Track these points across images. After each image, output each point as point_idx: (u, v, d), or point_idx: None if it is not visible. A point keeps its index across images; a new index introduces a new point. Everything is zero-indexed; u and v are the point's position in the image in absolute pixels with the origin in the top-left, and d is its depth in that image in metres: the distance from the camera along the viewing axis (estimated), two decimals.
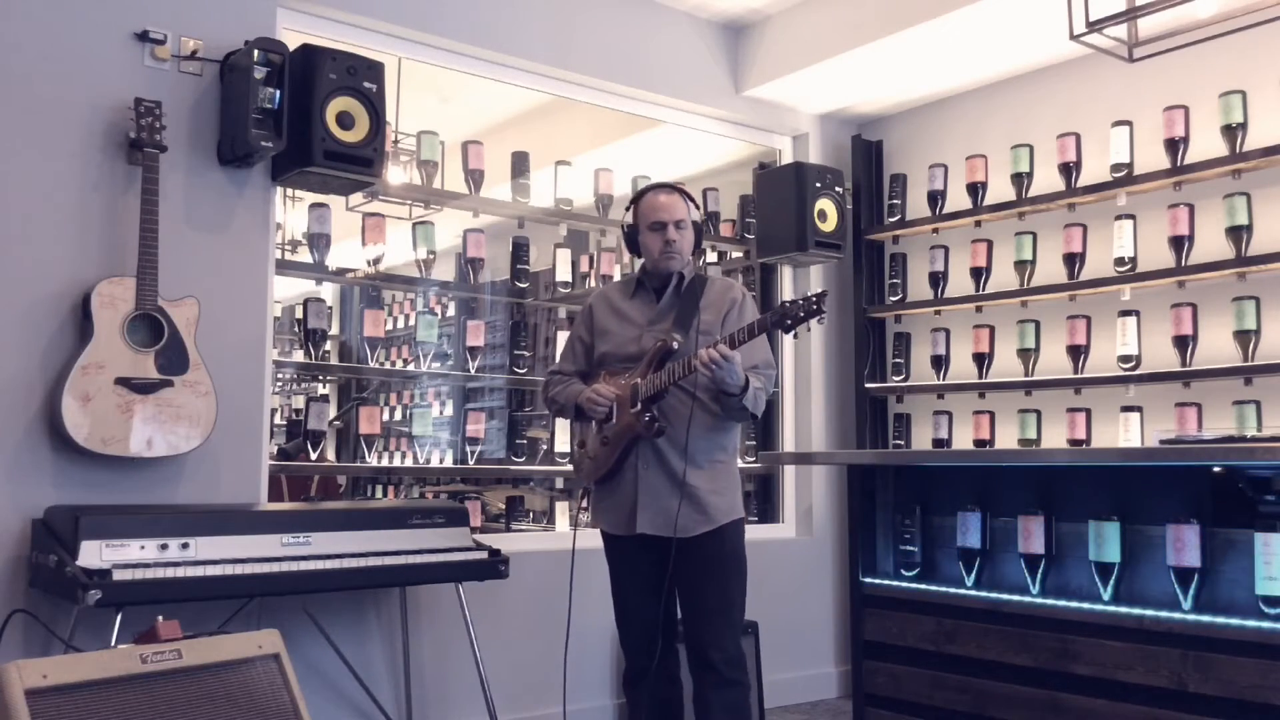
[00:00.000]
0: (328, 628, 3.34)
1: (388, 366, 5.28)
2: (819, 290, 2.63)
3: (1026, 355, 4.31)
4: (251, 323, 3.38)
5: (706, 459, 2.81)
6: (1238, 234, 3.73)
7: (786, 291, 4.93)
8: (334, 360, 6.06)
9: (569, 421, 3.12)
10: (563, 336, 4.39)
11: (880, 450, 4.73)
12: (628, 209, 2.97)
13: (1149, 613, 2.91)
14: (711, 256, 5.05)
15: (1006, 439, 4.38)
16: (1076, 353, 4.14)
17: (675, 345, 2.75)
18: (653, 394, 2.73)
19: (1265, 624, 2.68)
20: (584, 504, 3.01)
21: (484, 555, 3.25)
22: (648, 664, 2.84)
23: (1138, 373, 3.97)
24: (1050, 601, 3.15)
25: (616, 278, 4.64)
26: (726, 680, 2.74)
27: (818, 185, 4.52)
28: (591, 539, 2.98)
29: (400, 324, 6.41)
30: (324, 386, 6.00)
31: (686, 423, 2.75)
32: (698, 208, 2.97)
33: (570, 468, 4.35)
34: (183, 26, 3.28)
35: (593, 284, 4.60)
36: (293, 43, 3.33)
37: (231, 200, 3.36)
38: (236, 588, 2.79)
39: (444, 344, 4.92)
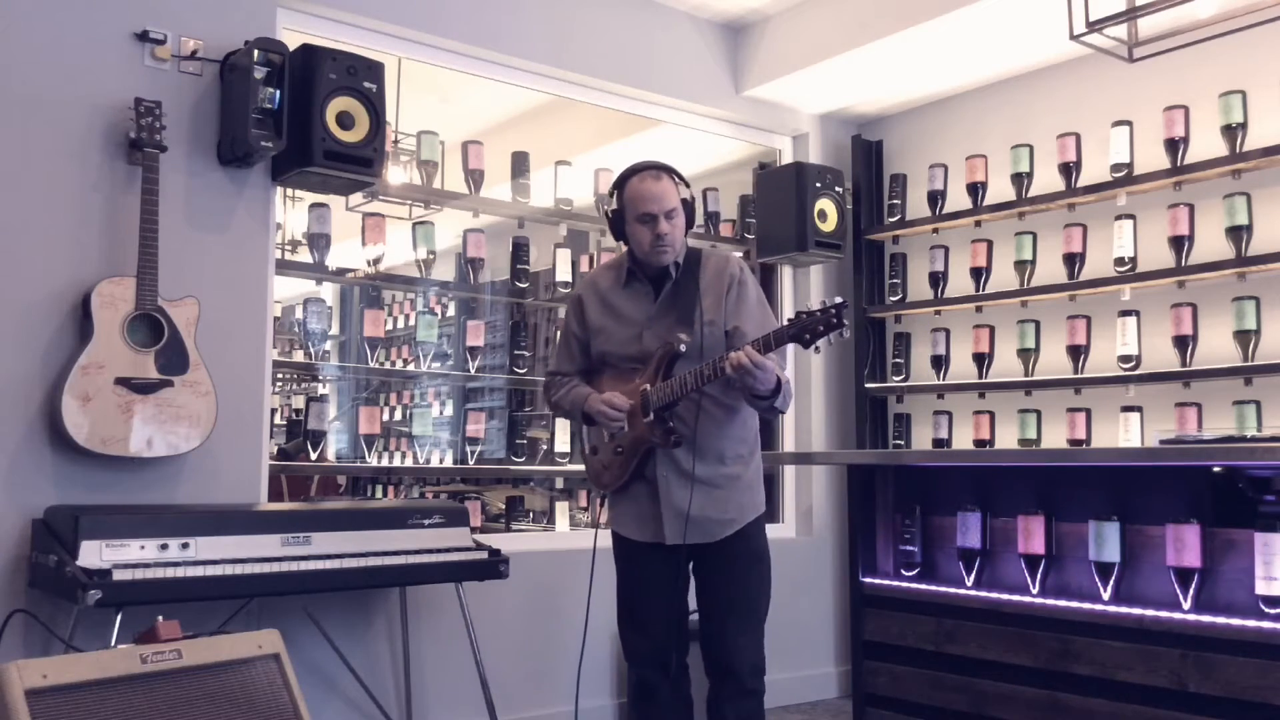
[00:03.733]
0: (328, 628, 3.34)
1: (388, 366, 5.28)
2: (836, 300, 2.39)
3: (1026, 355, 4.31)
4: (251, 323, 3.38)
5: (727, 455, 2.64)
6: (1238, 234, 3.73)
7: (786, 292, 4.93)
8: (334, 360, 6.07)
9: (576, 425, 2.89)
10: None
11: (880, 450, 4.73)
12: (611, 192, 2.73)
13: (1149, 613, 2.91)
14: None
15: (1006, 439, 4.38)
16: (1076, 353, 4.14)
17: (683, 349, 2.56)
18: (666, 403, 2.56)
19: (1265, 624, 2.68)
20: (599, 509, 2.80)
21: (484, 555, 3.25)
22: (657, 679, 2.67)
23: (1138, 373, 3.97)
24: (1050, 601, 3.15)
25: None
26: (747, 690, 2.61)
27: (818, 185, 4.52)
28: (588, 538, 2.96)
29: (400, 324, 6.42)
30: (324, 386, 6.00)
31: (693, 424, 2.58)
32: (687, 186, 2.70)
33: (572, 468, 4.37)
34: (183, 26, 3.28)
35: None
36: (293, 43, 3.33)
37: (231, 200, 3.36)
38: (236, 588, 2.78)
39: (444, 344, 4.91)
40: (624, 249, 2.79)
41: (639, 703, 2.71)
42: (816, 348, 2.38)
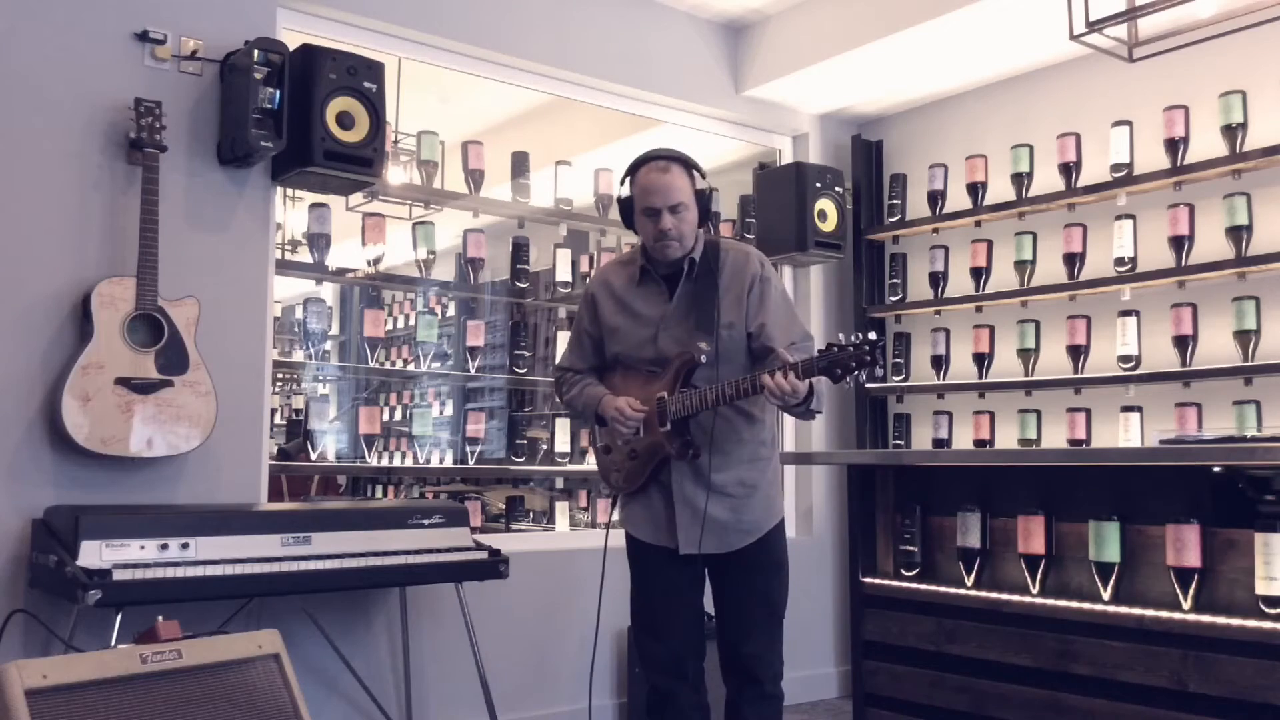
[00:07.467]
0: (328, 628, 3.34)
1: (388, 366, 5.28)
2: (870, 336, 2.33)
3: (1026, 355, 4.31)
4: (251, 323, 3.38)
5: (745, 463, 2.57)
6: (1238, 234, 3.73)
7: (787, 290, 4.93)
8: (334, 360, 6.07)
9: (588, 425, 2.80)
10: (563, 337, 4.41)
11: (880, 450, 4.73)
12: (623, 180, 2.61)
13: (1149, 613, 2.90)
14: None
15: (1006, 439, 4.38)
16: (1076, 353, 4.14)
17: (703, 359, 2.47)
18: (685, 416, 2.49)
19: (1265, 624, 2.68)
20: (612, 508, 2.76)
21: (484, 555, 3.24)
22: (674, 686, 2.59)
23: (1138, 373, 3.97)
24: (1050, 601, 3.15)
25: None
26: (767, 695, 2.59)
27: (818, 185, 4.52)
28: (588, 538, 2.96)
29: (400, 324, 6.42)
30: (324, 386, 6.00)
31: (710, 430, 2.49)
32: (702, 176, 2.57)
33: (572, 468, 4.37)
34: (183, 26, 3.28)
35: None
36: (293, 43, 3.33)
37: (231, 200, 3.36)
38: (236, 588, 2.78)
39: (444, 344, 4.92)
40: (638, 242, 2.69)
41: (656, 712, 2.63)
42: (846, 382, 2.31)
